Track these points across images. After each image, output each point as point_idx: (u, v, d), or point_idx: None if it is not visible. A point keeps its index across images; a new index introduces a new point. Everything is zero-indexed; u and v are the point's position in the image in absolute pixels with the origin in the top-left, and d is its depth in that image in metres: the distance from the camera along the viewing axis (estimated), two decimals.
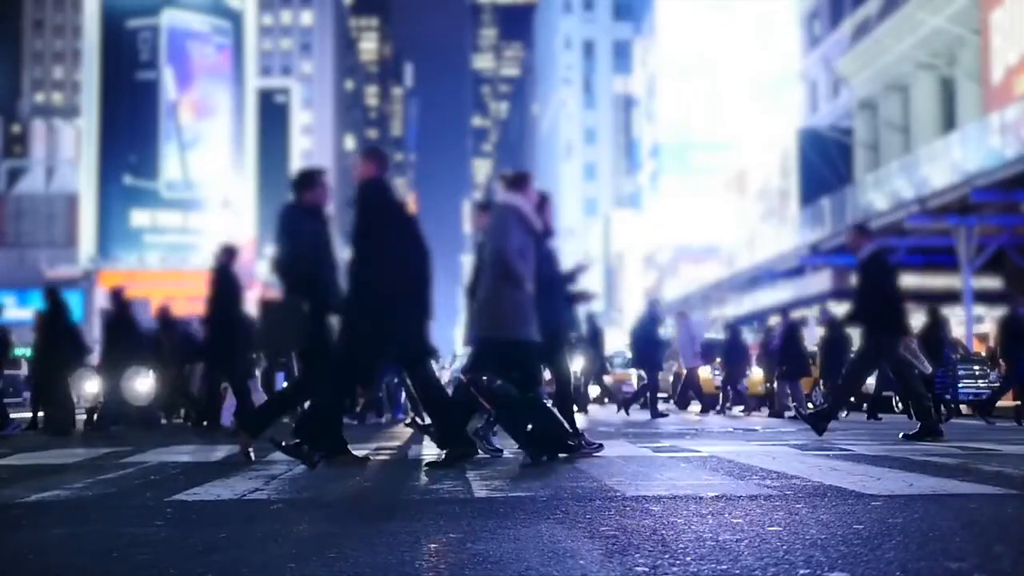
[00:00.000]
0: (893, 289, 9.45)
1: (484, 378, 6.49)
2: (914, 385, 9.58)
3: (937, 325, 15.35)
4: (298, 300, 6.58)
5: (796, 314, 34.96)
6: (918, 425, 9.24)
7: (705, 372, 18.73)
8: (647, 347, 16.22)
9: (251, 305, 9.57)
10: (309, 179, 6.91)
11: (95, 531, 3.70)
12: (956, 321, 27.55)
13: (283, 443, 6.24)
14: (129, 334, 12.81)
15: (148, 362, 13.22)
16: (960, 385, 16.97)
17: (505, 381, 6.46)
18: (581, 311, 25.00)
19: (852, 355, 9.60)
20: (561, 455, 6.43)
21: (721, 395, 17.83)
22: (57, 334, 12.39)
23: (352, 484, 5.30)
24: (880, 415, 15.03)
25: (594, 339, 16.46)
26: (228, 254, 10.42)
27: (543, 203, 7.24)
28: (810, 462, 6.28)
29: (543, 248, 7.08)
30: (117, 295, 13.33)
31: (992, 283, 29.21)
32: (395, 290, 6.29)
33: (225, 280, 10.24)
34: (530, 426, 6.21)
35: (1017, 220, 26.41)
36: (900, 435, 9.22)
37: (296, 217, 6.73)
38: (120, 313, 12.98)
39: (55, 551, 3.25)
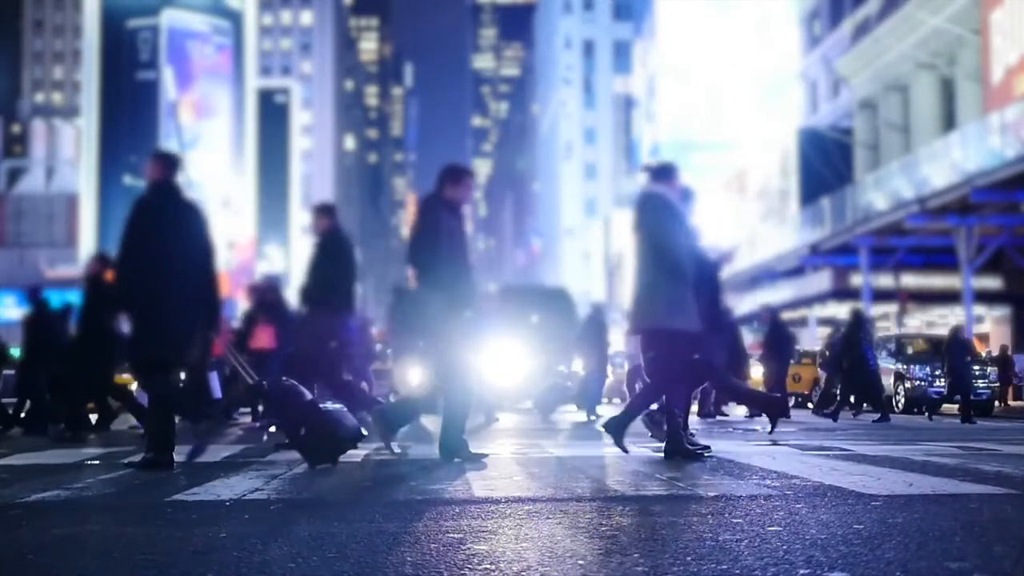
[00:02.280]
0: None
1: (264, 383, 6.56)
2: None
3: (858, 326, 15.30)
4: (431, 291, 6.56)
5: (796, 314, 35.13)
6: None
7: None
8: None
9: (248, 304, 9.47)
10: (455, 175, 6.83)
11: (95, 531, 3.69)
12: (956, 321, 27.61)
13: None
14: (49, 335, 12.15)
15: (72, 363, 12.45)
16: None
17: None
18: (582, 309, 24.39)
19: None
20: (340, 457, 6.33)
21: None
22: None
23: (352, 484, 5.30)
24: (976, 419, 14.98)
25: (599, 335, 16.21)
26: (100, 262, 10.24)
27: (686, 198, 7.15)
28: (810, 462, 6.29)
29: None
30: (34, 295, 12.82)
31: (992, 283, 29.26)
32: (150, 292, 6.29)
33: (96, 290, 10.07)
34: (303, 430, 6.17)
35: (1017, 220, 26.44)
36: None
37: (436, 208, 6.67)
38: (38, 313, 12.41)
39: (55, 551, 3.25)
